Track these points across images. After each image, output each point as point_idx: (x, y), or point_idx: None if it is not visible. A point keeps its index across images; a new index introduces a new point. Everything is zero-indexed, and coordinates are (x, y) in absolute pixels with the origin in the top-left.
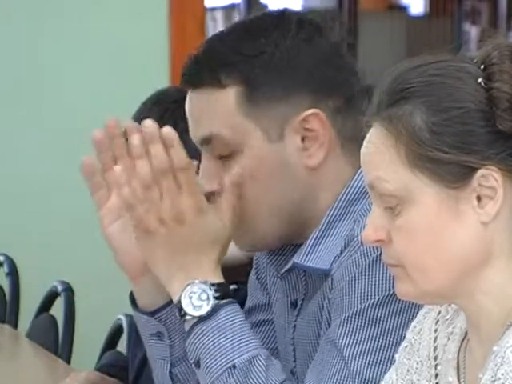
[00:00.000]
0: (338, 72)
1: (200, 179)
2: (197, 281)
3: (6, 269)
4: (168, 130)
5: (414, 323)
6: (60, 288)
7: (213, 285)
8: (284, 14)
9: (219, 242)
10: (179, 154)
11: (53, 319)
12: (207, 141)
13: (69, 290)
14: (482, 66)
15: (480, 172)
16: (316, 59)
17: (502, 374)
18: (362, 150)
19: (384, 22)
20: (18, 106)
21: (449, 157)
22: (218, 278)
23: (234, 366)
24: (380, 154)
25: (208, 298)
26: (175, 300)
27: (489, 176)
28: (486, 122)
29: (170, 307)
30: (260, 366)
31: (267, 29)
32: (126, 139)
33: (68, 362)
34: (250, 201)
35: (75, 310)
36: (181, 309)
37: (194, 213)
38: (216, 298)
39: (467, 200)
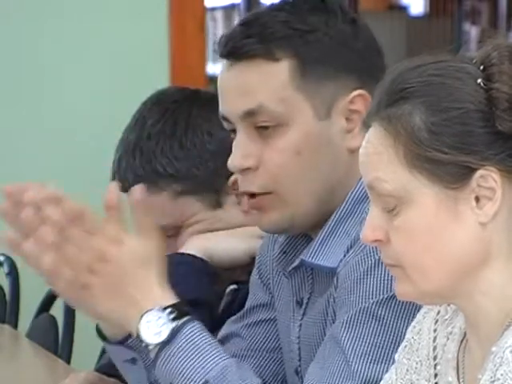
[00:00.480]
0: (378, 58)
1: (234, 154)
2: (148, 310)
3: (5, 269)
4: (48, 192)
5: (413, 323)
6: None
7: (165, 308)
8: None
9: (152, 261)
10: (69, 205)
11: (53, 319)
12: (252, 113)
13: None
14: (482, 67)
15: (479, 173)
16: (362, 43)
17: (501, 375)
18: (361, 150)
19: (384, 21)
20: (18, 105)
21: (448, 157)
22: (168, 299)
23: (207, 382)
24: (379, 154)
25: (165, 323)
26: (135, 335)
27: (488, 177)
28: (485, 122)
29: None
30: (234, 375)
31: (314, 9)
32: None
33: (68, 362)
34: (291, 178)
35: (75, 310)
36: (142, 341)
37: (114, 246)
38: (173, 319)
39: (466, 200)
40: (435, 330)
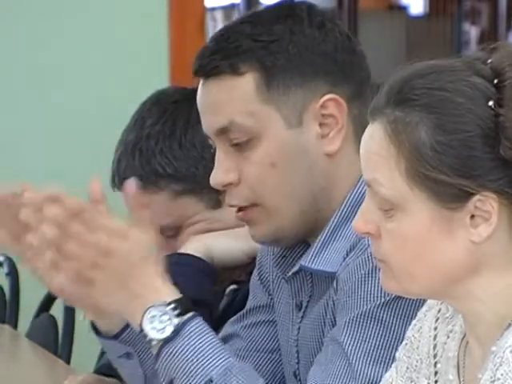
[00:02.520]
0: (352, 56)
1: (215, 171)
2: (152, 305)
3: (5, 269)
4: (47, 192)
5: (414, 321)
6: None
7: (170, 303)
8: (293, 4)
9: (154, 255)
10: (70, 201)
11: (53, 319)
12: (224, 130)
13: None
14: (496, 81)
15: (477, 197)
16: (330, 45)
17: (502, 375)
18: (363, 143)
19: (384, 21)
20: (18, 106)
21: (447, 179)
22: (172, 294)
23: (211, 381)
24: (381, 157)
25: (169, 319)
26: (138, 329)
27: (485, 201)
28: (489, 147)
29: (130, 328)
30: (236, 374)
31: (279, 17)
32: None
33: (68, 362)
34: (270, 189)
35: (75, 310)
36: (146, 336)
37: (118, 240)
38: (178, 315)
39: (461, 219)
40: (436, 328)
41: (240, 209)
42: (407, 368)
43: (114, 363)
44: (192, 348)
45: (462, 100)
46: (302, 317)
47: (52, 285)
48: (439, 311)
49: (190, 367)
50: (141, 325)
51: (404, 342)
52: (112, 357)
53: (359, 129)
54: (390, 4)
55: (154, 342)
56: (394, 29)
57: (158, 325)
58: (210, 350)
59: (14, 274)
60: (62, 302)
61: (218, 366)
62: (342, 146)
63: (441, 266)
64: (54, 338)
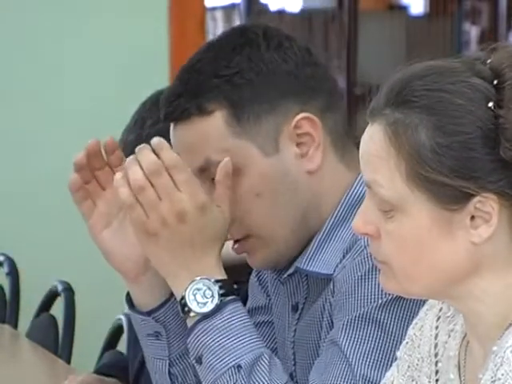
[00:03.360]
0: (315, 69)
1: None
2: (202, 277)
3: (6, 269)
4: (156, 139)
5: (415, 320)
6: (60, 288)
7: (217, 281)
8: (247, 29)
9: (221, 237)
10: (169, 154)
11: (53, 319)
12: (204, 169)
13: (69, 290)
14: (496, 82)
15: (477, 198)
16: (292, 63)
17: (502, 375)
18: (362, 144)
19: (384, 22)
20: (18, 106)
21: (447, 180)
22: (222, 275)
23: (240, 366)
24: (380, 159)
25: (213, 295)
26: (179, 296)
27: (485, 203)
28: (489, 149)
29: (167, 307)
30: (263, 366)
31: (236, 47)
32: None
33: (68, 362)
34: (260, 219)
35: (75, 309)
36: (185, 305)
37: (196, 211)
38: (221, 295)
39: (461, 220)
40: (437, 327)
41: (235, 241)
42: (408, 367)
43: (141, 341)
44: (226, 330)
45: (461, 101)
46: (298, 318)
47: (99, 234)
48: (440, 310)
49: (220, 348)
50: (184, 294)
51: (405, 341)
52: (141, 334)
53: (337, 139)
54: (390, 4)
55: (191, 314)
56: (394, 29)
57: (200, 298)
58: (243, 336)
59: (14, 274)
60: (62, 302)
61: (248, 352)
62: (322, 161)
63: (441, 266)
64: (54, 337)
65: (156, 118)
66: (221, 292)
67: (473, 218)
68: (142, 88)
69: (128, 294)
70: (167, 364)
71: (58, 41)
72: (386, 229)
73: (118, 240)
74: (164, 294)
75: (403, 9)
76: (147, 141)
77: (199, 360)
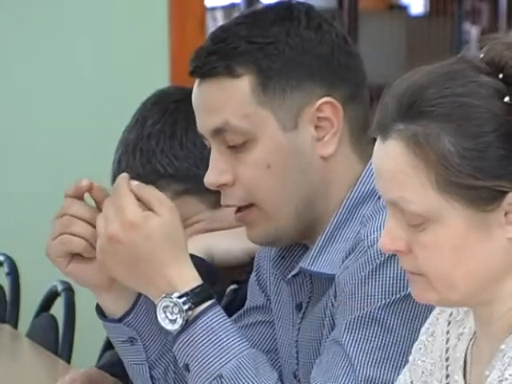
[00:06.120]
0: (349, 58)
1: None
2: (166, 295)
3: (6, 269)
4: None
5: (426, 324)
6: (60, 288)
7: (181, 296)
8: (291, 5)
9: (176, 243)
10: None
11: (53, 319)
12: (220, 131)
13: (69, 290)
14: (501, 75)
15: (511, 194)
16: (327, 47)
17: (510, 375)
18: (378, 162)
19: (384, 21)
20: (18, 106)
21: (480, 183)
22: (188, 284)
23: (221, 376)
24: (405, 175)
25: (180, 311)
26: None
27: None
28: None
29: (136, 310)
30: (249, 371)
31: (277, 19)
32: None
33: (68, 361)
34: (265, 190)
35: (75, 309)
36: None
37: (143, 216)
38: (189, 308)
39: (497, 219)
40: (448, 332)
41: (239, 209)
42: (422, 372)
43: (118, 350)
44: (202, 340)
45: (477, 102)
46: (302, 318)
47: (66, 268)
48: (451, 315)
49: (202, 358)
50: (155, 313)
51: (418, 346)
52: (116, 342)
53: (355, 130)
54: (390, 4)
55: (169, 331)
56: (394, 29)
57: (170, 316)
58: (221, 344)
59: (14, 274)
60: (62, 301)
61: (228, 361)
62: (337, 149)
63: (480, 269)
64: (54, 337)
65: (156, 118)
66: (186, 307)
67: (506, 214)
68: (142, 88)
69: (98, 305)
70: (147, 367)
71: (58, 41)
72: (418, 241)
73: (84, 267)
74: (132, 300)
75: (403, 9)
76: (148, 140)
77: (187, 368)
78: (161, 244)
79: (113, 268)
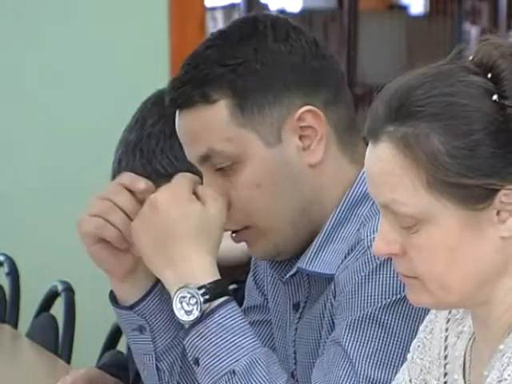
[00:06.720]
0: (322, 62)
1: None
2: (186, 285)
3: (6, 269)
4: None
5: (425, 322)
6: (60, 288)
7: (201, 287)
8: (256, 20)
9: (209, 234)
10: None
11: (53, 319)
12: (206, 158)
13: (69, 290)
14: (490, 75)
15: (502, 192)
16: (298, 56)
17: (509, 375)
18: (370, 166)
19: (384, 21)
20: (19, 107)
21: (472, 181)
22: (209, 276)
23: (234, 372)
24: (396, 176)
25: (197, 303)
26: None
27: (510, 195)
28: (504, 140)
29: (148, 300)
30: (261, 369)
31: (243, 37)
32: None
33: (68, 361)
34: (260, 209)
35: (75, 309)
36: (175, 314)
37: (168, 200)
38: (207, 300)
39: (488, 218)
40: (447, 330)
41: (234, 231)
42: (421, 370)
43: (128, 338)
44: (221, 332)
45: (466, 101)
46: (300, 317)
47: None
48: (450, 312)
49: (215, 353)
50: (172, 301)
51: (416, 344)
52: (126, 330)
53: (341, 133)
54: (390, 4)
55: (182, 322)
56: (394, 29)
57: (186, 306)
58: (236, 340)
59: (14, 274)
60: (62, 301)
61: (241, 357)
62: (325, 155)
63: (474, 269)
64: (54, 337)
65: (156, 118)
66: (204, 299)
67: (498, 212)
68: (142, 88)
69: (111, 292)
70: (154, 358)
71: (58, 41)
72: (412, 244)
73: (107, 253)
74: (145, 288)
75: (403, 9)
76: (148, 140)
77: (196, 362)
78: (195, 229)
79: (142, 240)
